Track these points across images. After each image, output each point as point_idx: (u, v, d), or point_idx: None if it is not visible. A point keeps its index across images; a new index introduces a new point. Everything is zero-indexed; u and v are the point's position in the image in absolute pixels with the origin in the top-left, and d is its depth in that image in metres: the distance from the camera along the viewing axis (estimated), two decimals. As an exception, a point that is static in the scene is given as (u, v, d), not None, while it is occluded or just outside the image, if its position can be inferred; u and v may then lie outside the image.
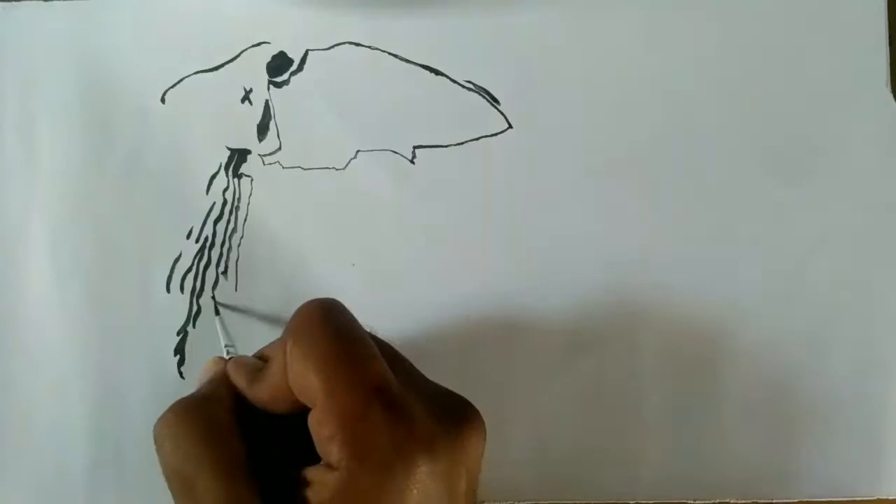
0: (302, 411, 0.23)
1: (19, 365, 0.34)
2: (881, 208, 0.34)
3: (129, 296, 0.34)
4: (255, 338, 0.33)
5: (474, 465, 0.23)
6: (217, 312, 0.34)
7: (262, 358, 0.27)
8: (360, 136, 0.35)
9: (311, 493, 0.22)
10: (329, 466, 0.22)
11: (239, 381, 0.26)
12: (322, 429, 0.22)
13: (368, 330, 0.24)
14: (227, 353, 0.28)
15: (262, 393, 0.25)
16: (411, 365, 0.26)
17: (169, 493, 0.23)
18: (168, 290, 0.34)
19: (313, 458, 0.22)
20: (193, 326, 0.34)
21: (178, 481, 0.23)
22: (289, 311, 0.33)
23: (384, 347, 0.25)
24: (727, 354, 0.33)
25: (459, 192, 0.34)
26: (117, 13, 0.35)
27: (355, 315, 0.25)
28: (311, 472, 0.22)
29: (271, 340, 0.27)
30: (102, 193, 0.35)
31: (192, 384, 0.34)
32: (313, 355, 0.22)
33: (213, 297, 0.34)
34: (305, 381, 0.22)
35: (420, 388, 0.24)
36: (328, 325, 0.23)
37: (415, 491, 0.21)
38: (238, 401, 0.25)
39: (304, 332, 0.23)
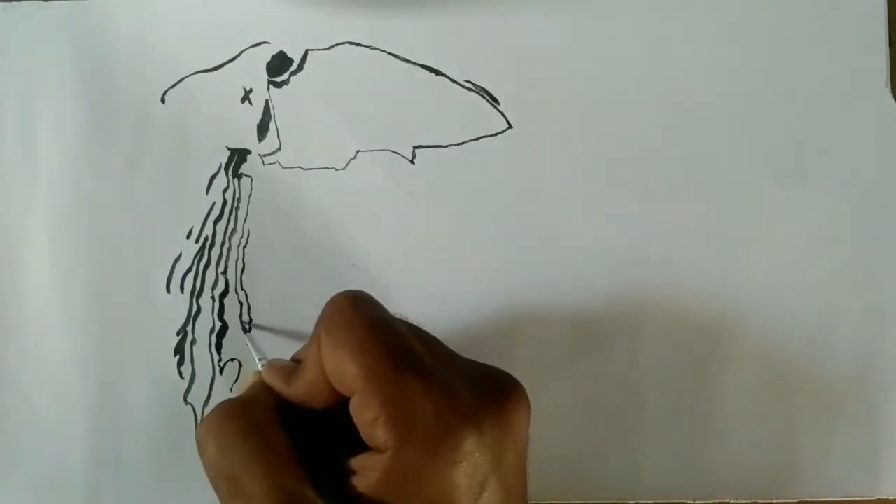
0: (342, 404, 0.23)
1: (19, 365, 0.34)
2: (881, 208, 0.34)
3: (129, 296, 0.34)
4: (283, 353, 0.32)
5: (521, 436, 0.23)
6: (247, 330, 0.34)
7: (295, 360, 0.26)
8: (360, 136, 0.35)
9: (359, 480, 0.22)
10: (375, 451, 0.22)
11: (276, 382, 0.25)
12: (364, 413, 0.21)
13: (399, 316, 0.25)
14: (261, 365, 0.28)
15: (300, 390, 0.24)
16: (444, 345, 0.25)
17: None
18: (168, 290, 0.34)
19: (361, 449, 0.22)
20: (193, 326, 0.34)
21: (225, 482, 0.22)
22: (289, 312, 0.34)
23: (416, 331, 0.25)
24: (727, 354, 0.33)
25: (459, 192, 0.34)
26: (117, 13, 0.35)
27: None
28: (359, 460, 0.22)
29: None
30: (102, 193, 0.35)
31: (190, 383, 0.34)
32: (347, 343, 0.22)
33: (241, 318, 0.34)
34: (342, 369, 0.22)
35: (458, 365, 0.24)
36: (358, 312, 0.23)
37: (463, 464, 0.21)
38: (280, 404, 0.25)
39: (336, 321, 0.23)
